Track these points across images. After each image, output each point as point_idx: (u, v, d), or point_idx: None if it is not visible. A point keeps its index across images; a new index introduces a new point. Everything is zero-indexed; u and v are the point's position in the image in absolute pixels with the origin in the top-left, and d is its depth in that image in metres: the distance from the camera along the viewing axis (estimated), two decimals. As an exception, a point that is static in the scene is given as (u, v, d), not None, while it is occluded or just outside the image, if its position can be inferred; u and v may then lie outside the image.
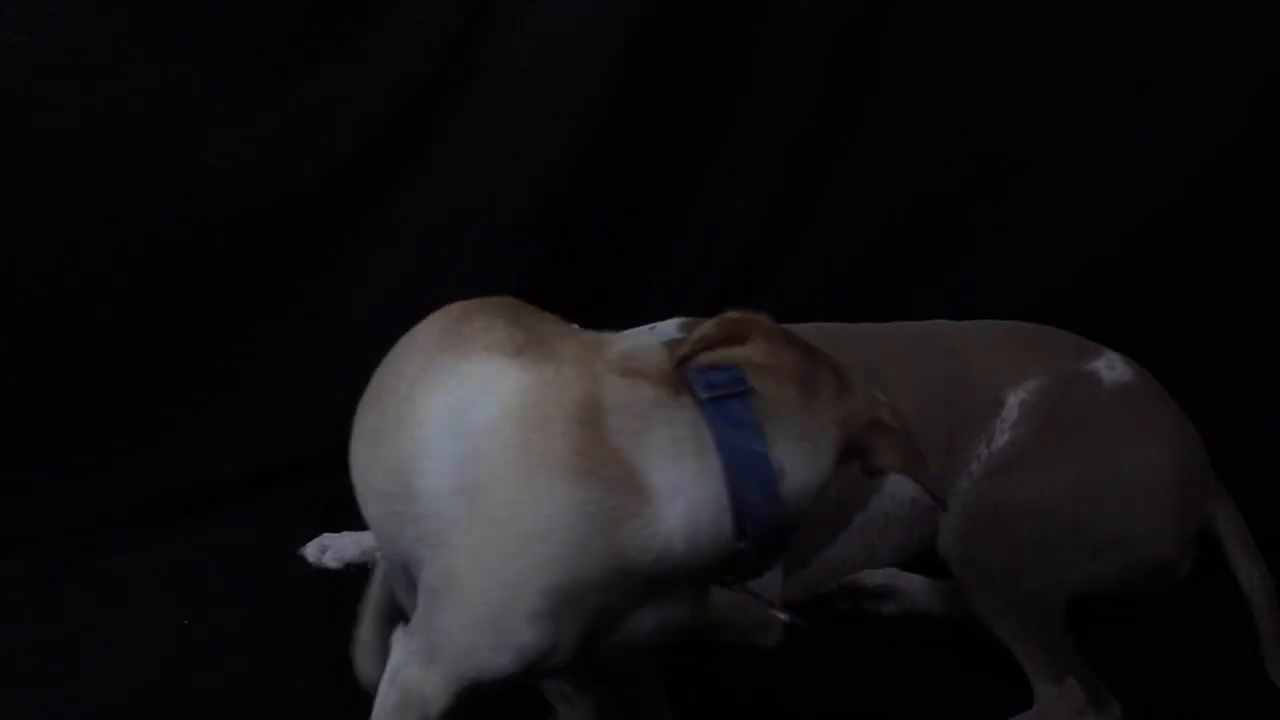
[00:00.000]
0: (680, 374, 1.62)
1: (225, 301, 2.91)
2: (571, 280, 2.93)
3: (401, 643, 1.68)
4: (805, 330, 2.39)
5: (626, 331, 2.35)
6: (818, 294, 3.08)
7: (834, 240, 3.18)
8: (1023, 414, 2.36)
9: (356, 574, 2.45)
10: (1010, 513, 2.23)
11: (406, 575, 1.75)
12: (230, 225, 2.89)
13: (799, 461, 1.59)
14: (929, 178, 3.14)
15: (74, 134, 2.77)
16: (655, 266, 3.15)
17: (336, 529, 2.58)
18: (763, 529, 1.56)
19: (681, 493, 1.54)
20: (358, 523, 2.46)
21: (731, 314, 1.70)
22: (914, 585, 2.40)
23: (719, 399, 1.58)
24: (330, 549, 2.55)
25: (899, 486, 2.36)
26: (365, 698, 2.09)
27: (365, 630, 2.03)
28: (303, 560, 2.57)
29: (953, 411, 2.36)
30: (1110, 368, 2.43)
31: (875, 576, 2.40)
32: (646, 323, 2.47)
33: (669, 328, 2.43)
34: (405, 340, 1.78)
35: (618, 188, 3.07)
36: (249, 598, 2.48)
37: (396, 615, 1.87)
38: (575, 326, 1.79)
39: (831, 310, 2.61)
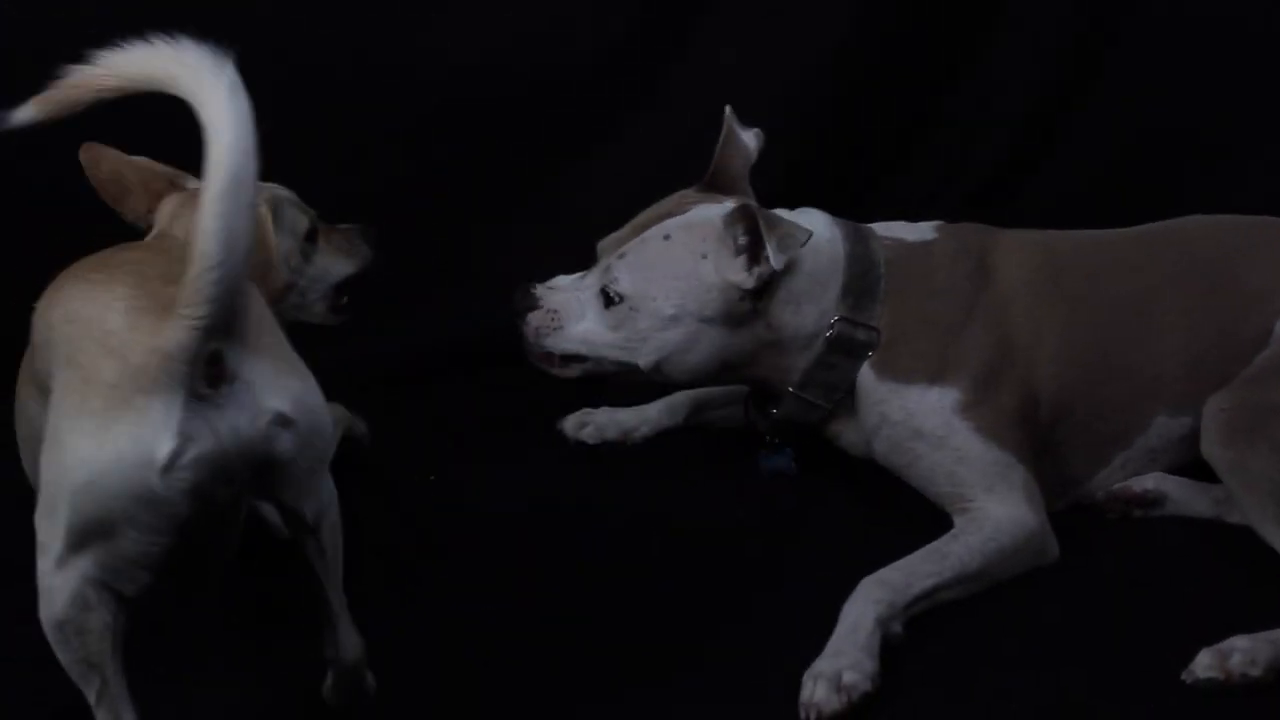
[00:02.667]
0: None
1: (500, 175, 3.00)
2: (825, 179, 2.95)
3: None
4: (1067, 240, 2.39)
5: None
6: (1067, 200, 3.06)
7: (1088, 147, 3.16)
8: None
9: (610, 452, 2.51)
10: (1274, 413, 2.13)
11: None
12: (503, 103, 2.97)
13: None
14: (1185, 91, 3.11)
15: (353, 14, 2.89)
16: (908, 169, 3.16)
17: (596, 406, 2.60)
18: None
19: None
20: (618, 400, 2.60)
21: None
22: (1184, 490, 2.32)
23: None
24: (590, 425, 2.57)
25: (1167, 426, 2.30)
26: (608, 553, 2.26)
27: None
28: (561, 433, 2.60)
29: (1222, 348, 2.28)
30: None
31: (1144, 482, 2.33)
32: (900, 217, 2.45)
33: (926, 229, 2.40)
34: None
35: (874, 88, 3.08)
36: (504, 462, 2.55)
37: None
38: None
39: (1078, 218, 2.55)
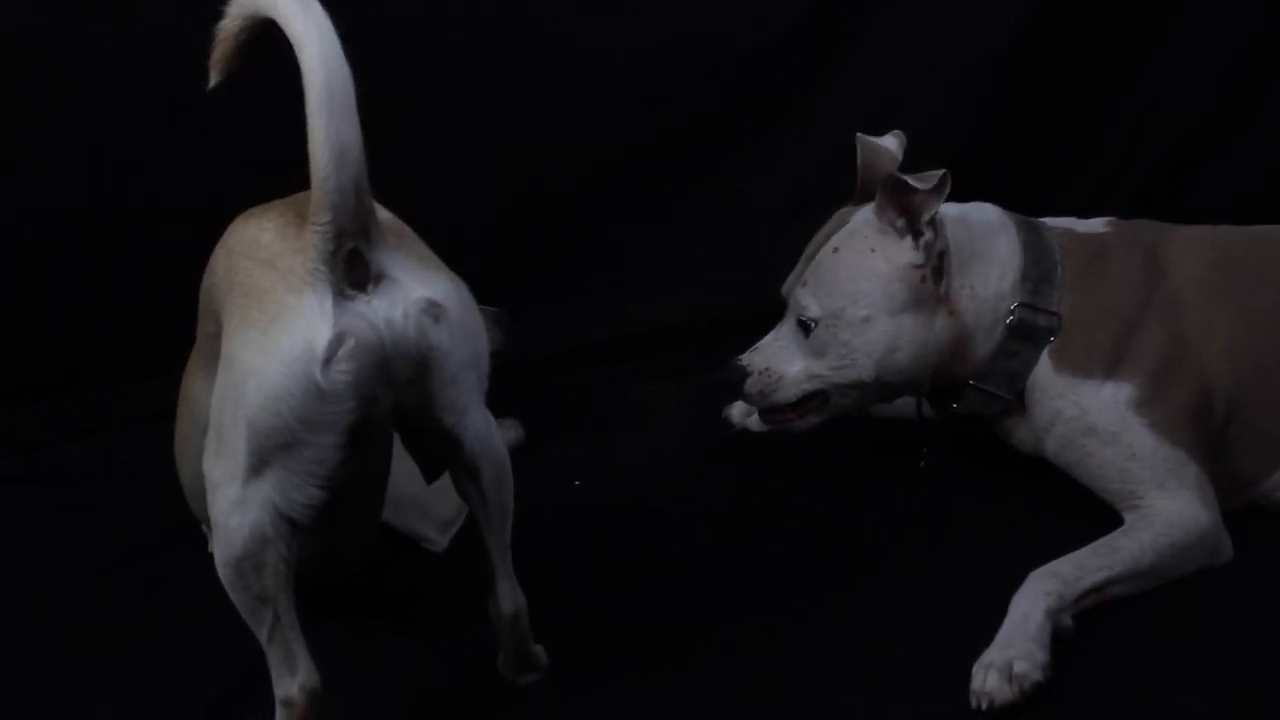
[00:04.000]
0: None
1: (658, 173, 3.06)
2: (996, 170, 2.92)
3: None
4: (1240, 235, 2.38)
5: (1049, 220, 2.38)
6: (1240, 199, 2.98)
7: (1262, 144, 3.12)
8: None
9: (774, 441, 2.50)
10: None
11: None
12: (663, 102, 3.01)
13: None
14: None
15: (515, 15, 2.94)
16: (1083, 158, 3.14)
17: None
18: None
19: None
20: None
21: None
22: None
23: None
24: (757, 414, 2.54)
25: None
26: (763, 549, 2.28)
27: None
28: (726, 421, 2.66)
29: None
30: None
31: None
32: (1069, 215, 2.43)
33: (1097, 223, 2.39)
34: None
35: (1049, 77, 3.07)
36: (661, 450, 2.62)
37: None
38: None
39: (1252, 217, 2.50)
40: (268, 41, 1.64)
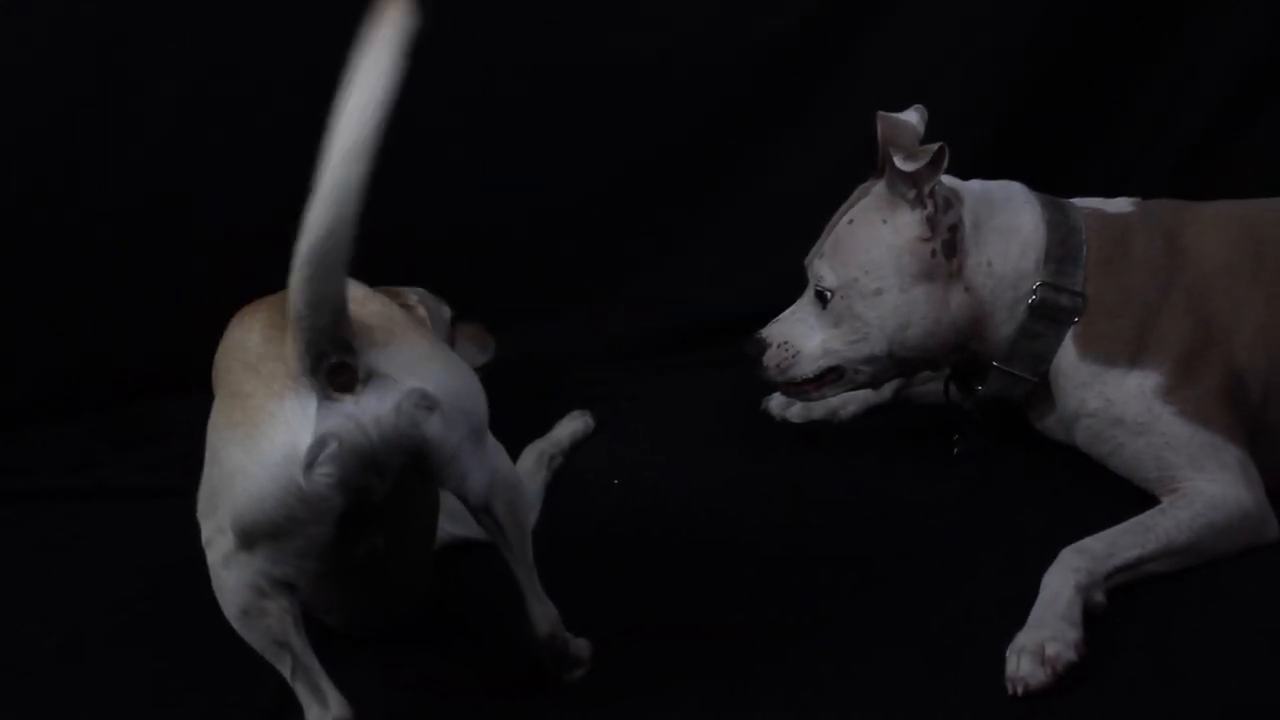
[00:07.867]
0: None
1: (688, 165, 3.09)
2: (1023, 149, 2.94)
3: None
4: (1267, 212, 2.34)
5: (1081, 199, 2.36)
6: (1273, 171, 2.94)
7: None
8: None
9: (816, 430, 2.53)
10: None
11: None
12: (691, 92, 3.04)
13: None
14: None
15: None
16: (1107, 137, 3.12)
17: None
18: None
19: None
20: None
21: None
22: None
23: None
24: (796, 404, 2.58)
25: None
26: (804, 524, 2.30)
27: None
28: (766, 414, 2.65)
29: None
30: None
31: None
32: (1094, 195, 2.42)
33: (1123, 202, 2.36)
34: None
35: (1078, 57, 3.05)
36: (707, 442, 2.63)
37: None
38: None
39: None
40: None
